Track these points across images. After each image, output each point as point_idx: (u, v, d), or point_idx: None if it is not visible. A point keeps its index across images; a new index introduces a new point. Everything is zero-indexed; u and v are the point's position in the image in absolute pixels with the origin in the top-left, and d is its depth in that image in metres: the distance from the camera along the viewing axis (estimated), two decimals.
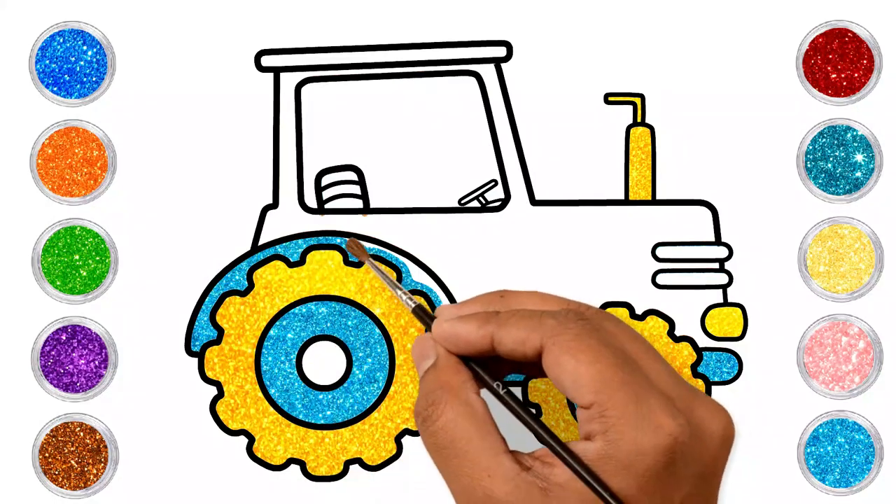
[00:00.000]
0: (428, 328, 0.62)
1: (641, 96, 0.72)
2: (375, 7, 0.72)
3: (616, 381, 0.54)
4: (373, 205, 0.72)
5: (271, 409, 0.72)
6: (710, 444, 0.56)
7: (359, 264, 0.71)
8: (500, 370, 0.62)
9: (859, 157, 0.72)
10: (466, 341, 0.59)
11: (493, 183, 0.72)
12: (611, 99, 0.72)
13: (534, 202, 0.72)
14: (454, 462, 0.56)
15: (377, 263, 0.69)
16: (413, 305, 0.64)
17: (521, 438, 0.60)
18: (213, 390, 0.72)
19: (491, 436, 0.56)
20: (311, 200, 0.72)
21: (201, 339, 0.71)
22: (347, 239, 0.70)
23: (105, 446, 0.71)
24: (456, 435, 0.56)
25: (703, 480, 0.56)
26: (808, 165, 0.72)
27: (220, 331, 0.71)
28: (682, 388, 0.57)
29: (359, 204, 0.72)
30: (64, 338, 0.71)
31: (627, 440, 0.53)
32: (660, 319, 0.71)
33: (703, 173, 0.72)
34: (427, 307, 0.65)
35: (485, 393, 0.59)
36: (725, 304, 0.72)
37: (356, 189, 0.72)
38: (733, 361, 0.71)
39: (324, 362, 0.72)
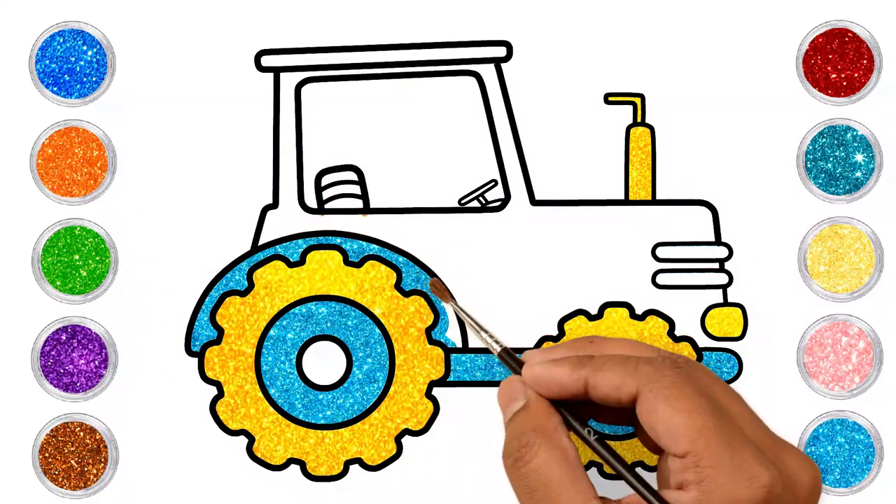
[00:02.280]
0: (516, 371, 0.62)
1: (641, 96, 0.72)
2: (375, 7, 0.72)
3: (711, 431, 0.54)
4: (373, 205, 0.72)
5: (271, 409, 0.72)
6: (800, 494, 0.57)
7: (359, 264, 0.71)
8: (585, 416, 0.62)
9: (859, 157, 0.72)
10: (560, 384, 0.59)
11: (493, 183, 0.72)
12: (611, 99, 0.72)
13: (534, 202, 0.72)
14: None
15: (460, 307, 0.69)
16: (499, 349, 0.65)
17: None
18: (213, 390, 0.72)
19: (581, 481, 0.57)
20: (311, 200, 0.72)
21: (201, 339, 0.71)
22: (430, 279, 0.70)
23: (105, 446, 0.71)
24: (549, 478, 0.57)
25: None
26: (808, 165, 0.72)
27: (220, 331, 0.71)
28: (771, 437, 0.58)
29: (359, 204, 0.72)
30: (64, 338, 0.71)
31: (722, 491, 0.53)
32: (660, 319, 0.71)
33: (703, 173, 0.72)
34: (512, 352, 0.65)
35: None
36: (725, 304, 0.72)
37: (356, 189, 0.72)
38: (733, 361, 0.71)
39: (324, 362, 0.72)
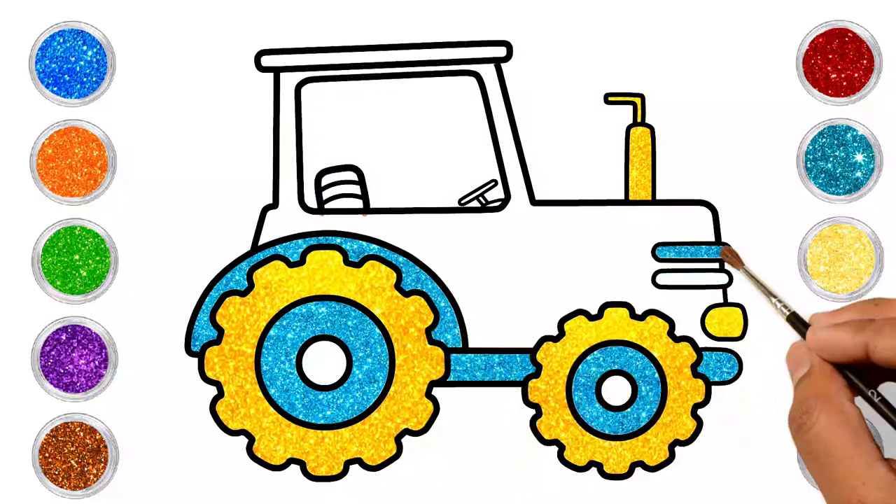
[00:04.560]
0: (802, 336, 0.63)
1: (641, 96, 0.72)
2: (375, 7, 0.72)
3: None
4: (373, 205, 0.72)
5: (271, 409, 0.72)
6: None
7: (359, 264, 0.71)
8: (876, 379, 0.62)
9: (859, 157, 0.72)
10: (841, 349, 0.59)
11: (493, 183, 0.72)
12: (611, 99, 0.72)
13: (534, 202, 0.72)
14: (828, 470, 0.56)
15: (751, 272, 0.69)
16: (788, 313, 0.65)
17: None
18: (213, 390, 0.72)
19: (865, 444, 0.56)
20: (311, 200, 0.72)
21: (201, 339, 0.71)
22: (722, 247, 0.70)
23: (105, 446, 0.71)
24: (830, 443, 0.57)
25: None
26: (808, 165, 0.72)
27: (220, 331, 0.71)
28: None
29: (359, 204, 0.72)
30: (64, 338, 0.71)
31: None
32: (660, 319, 0.71)
33: (703, 173, 0.72)
34: (800, 317, 0.65)
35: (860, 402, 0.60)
36: (725, 304, 0.72)
37: (356, 189, 0.72)
38: (733, 361, 0.71)
39: (324, 362, 0.72)
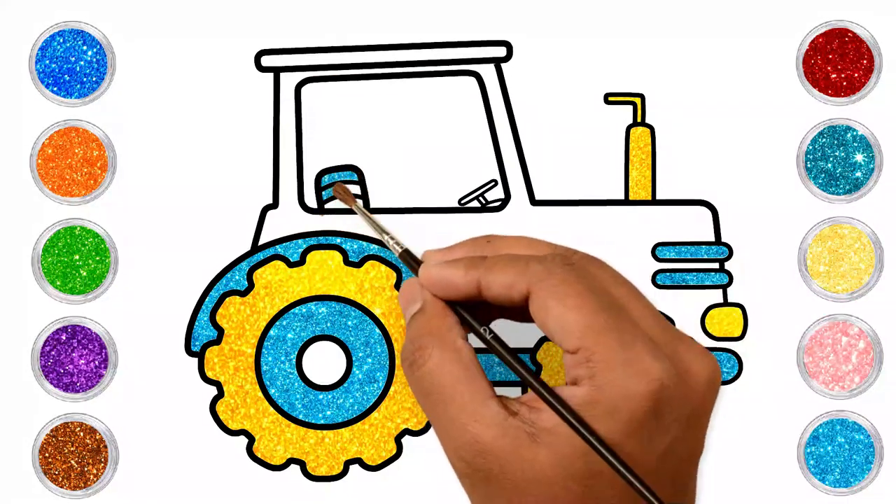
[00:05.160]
0: (415, 273, 0.62)
1: (641, 96, 0.72)
2: (375, 7, 0.72)
3: (602, 326, 0.54)
4: (373, 205, 0.72)
5: (271, 409, 0.72)
6: (696, 387, 0.56)
7: (359, 264, 0.71)
8: (487, 316, 0.61)
9: (859, 157, 0.72)
10: (453, 286, 0.59)
11: (493, 183, 0.72)
12: (611, 99, 0.72)
13: (534, 202, 0.72)
14: (440, 407, 0.56)
15: (362, 208, 0.68)
16: (400, 250, 0.64)
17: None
18: (213, 390, 0.72)
19: (478, 381, 0.56)
20: (311, 200, 0.72)
21: (201, 339, 0.71)
22: (335, 184, 0.70)
23: (105, 446, 0.71)
24: (443, 380, 0.56)
25: (690, 425, 0.56)
26: (808, 165, 0.72)
27: (220, 331, 0.71)
28: (668, 332, 0.57)
29: (359, 204, 0.72)
30: (64, 338, 0.71)
31: (614, 385, 0.53)
32: None
33: (703, 173, 0.72)
34: (412, 254, 0.64)
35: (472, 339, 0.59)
36: (725, 304, 0.72)
37: (356, 189, 0.72)
38: (733, 361, 0.71)
39: (324, 362, 0.72)
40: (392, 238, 0.65)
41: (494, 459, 0.54)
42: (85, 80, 0.72)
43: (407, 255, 0.63)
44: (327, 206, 0.72)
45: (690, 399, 0.55)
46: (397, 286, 0.71)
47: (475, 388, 0.55)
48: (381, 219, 0.70)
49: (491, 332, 0.58)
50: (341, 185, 0.69)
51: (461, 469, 0.55)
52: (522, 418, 0.54)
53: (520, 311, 0.58)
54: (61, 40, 0.71)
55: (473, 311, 0.59)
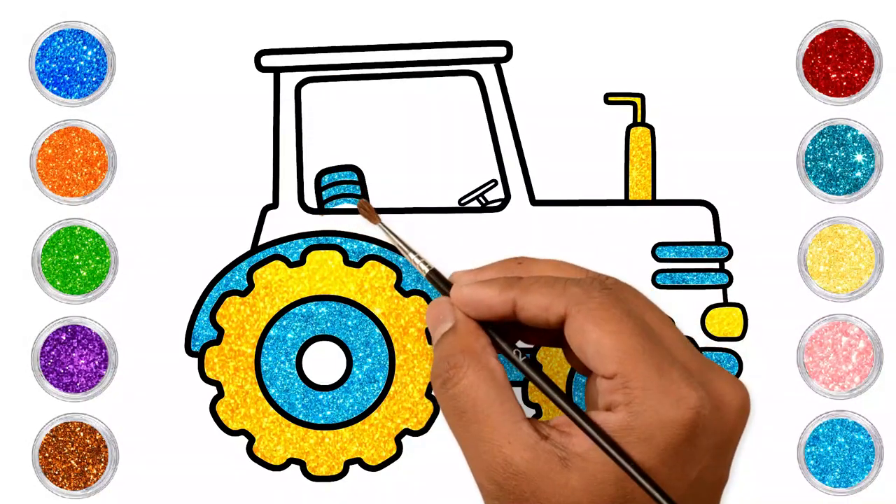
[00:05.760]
0: (444, 293, 0.62)
1: (641, 96, 0.72)
2: (375, 7, 0.72)
3: (640, 352, 0.54)
4: (373, 205, 0.72)
5: (271, 409, 0.72)
6: (728, 416, 0.56)
7: (359, 264, 0.71)
8: (513, 338, 0.61)
9: (859, 157, 0.72)
10: (488, 306, 0.59)
11: (493, 183, 0.72)
12: (611, 99, 0.72)
13: (534, 202, 0.72)
14: (473, 427, 0.56)
15: (387, 227, 0.68)
16: (427, 270, 0.64)
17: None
18: (213, 390, 0.72)
19: (510, 402, 0.56)
20: (311, 200, 0.72)
21: (201, 339, 0.71)
22: (359, 200, 0.70)
23: (105, 446, 0.71)
24: (477, 399, 0.56)
25: (721, 452, 0.56)
26: (808, 165, 0.72)
27: (220, 331, 0.71)
28: (699, 360, 0.57)
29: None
30: (64, 338, 0.71)
31: (650, 412, 0.53)
32: None
33: (703, 173, 0.72)
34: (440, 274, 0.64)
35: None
36: (725, 304, 0.72)
37: (356, 189, 0.72)
38: (733, 361, 0.71)
39: (324, 362, 0.72)
40: (419, 257, 0.65)
41: (527, 483, 0.54)
42: (85, 80, 0.72)
43: (434, 275, 0.64)
44: (327, 206, 0.72)
45: (723, 428, 0.56)
46: (397, 286, 0.71)
47: (508, 409, 0.55)
48: (402, 235, 0.70)
49: (523, 353, 0.58)
50: (366, 202, 0.69)
51: (491, 491, 0.55)
52: (553, 442, 0.54)
53: (550, 334, 0.58)
54: (61, 40, 0.71)
55: (504, 332, 0.59)
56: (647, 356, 0.54)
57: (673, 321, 0.58)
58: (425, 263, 0.64)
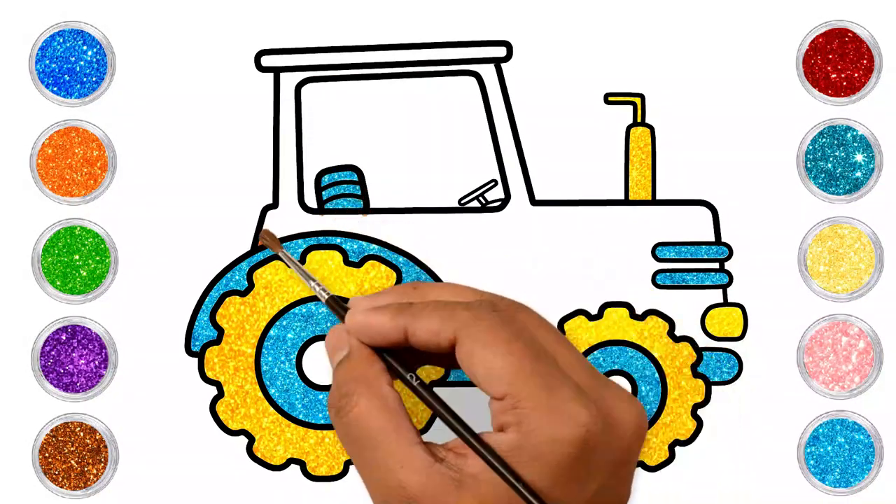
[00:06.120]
0: (342, 319, 0.62)
1: (641, 96, 0.72)
2: (375, 7, 0.72)
3: (529, 373, 0.54)
4: (373, 205, 0.72)
5: (271, 409, 0.72)
6: (622, 433, 0.56)
7: (359, 264, 0.71)
8: (415, 362, 0.61)
9: (859, 157, 0.72)
10: (380, 333, 0.59)
11: (493, 183, 0.72)
12: (611, 99, 0.72)
13: (534, 202, 0.72)
14: (368, 454, 0.56)
15: (289, 255, 0.69)
16: (326, 297, 0.64)
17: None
18: (213, 390, 0.72)
19: (404, 427, 0.56)
20: (311, 200, 0.72)
21: (201, 339, 0.71)
22: (262, 230, 0.70)
23: (105, 446, 0.71)
24: (370, 426, 0.56)
25: (617, 470, 0.56)
26: (808, 165, 0.72)
27: (220, 331, 0.71)
28: (595, 378, 0.57)
29: (359, 204, 0.72)
30: (64, 338, 0.71)
31: (541, 431, 0.53)
32: (660, 319, 0.71)
33: (703, 173, 0.72)
34: (339, 300, 0.64)
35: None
36: (725, 304, 0.72)
37: (356, 189, 0.72)
38: (733, 361, 0.71)
39: (324, 362, 0.72)
40: (319, 284, 0.65)
41: None
42: (85, 80, 0.72)
43: (333, 301, 0.64)
44: (327, 206, 0.72)
45: (617, 445, 0.56)
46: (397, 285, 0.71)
47: (402, 434, 0.56)
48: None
49: (418, 378, 0.58)
50: (269, 232, 0.70)
51: None
52: (448, 464, 0.55)
53: (447, 357, 0.59)
54: (61, 40, 0.72)
55: (402, 356, 0.59)
56: (535, 376, 0.54)
57: (567, 341, 0.58)
58: (325, 290, 0.65)
